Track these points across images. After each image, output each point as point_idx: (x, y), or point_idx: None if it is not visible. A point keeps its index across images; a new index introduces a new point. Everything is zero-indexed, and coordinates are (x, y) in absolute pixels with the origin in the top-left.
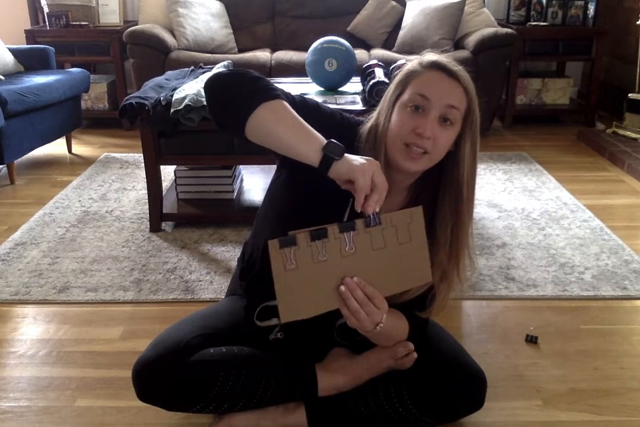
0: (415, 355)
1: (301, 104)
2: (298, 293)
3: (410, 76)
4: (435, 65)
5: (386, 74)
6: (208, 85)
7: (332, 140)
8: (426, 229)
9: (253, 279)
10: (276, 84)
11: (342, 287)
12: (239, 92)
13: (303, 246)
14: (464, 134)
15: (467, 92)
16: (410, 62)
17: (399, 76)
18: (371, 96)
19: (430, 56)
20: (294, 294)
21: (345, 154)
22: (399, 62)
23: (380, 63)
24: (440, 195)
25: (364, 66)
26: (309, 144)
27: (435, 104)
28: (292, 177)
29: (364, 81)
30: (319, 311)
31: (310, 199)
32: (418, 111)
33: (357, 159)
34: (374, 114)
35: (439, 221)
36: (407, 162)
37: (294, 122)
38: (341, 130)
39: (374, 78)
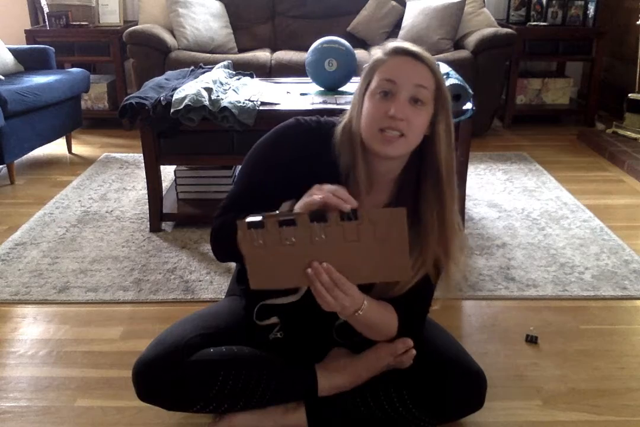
0: (414, 352)
1: (255, 203)
2: (267, 265)
3: (375, 66)
4: (397, 51)
5: None
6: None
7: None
8: (413, 218)
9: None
10: (276, 82)
11: (309, 270)
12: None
13: (271, 229)
14: (437, 114)
15: (432, 71)
16: (374, 55)
17: (364, 70)
18: None
19: (391, 44)
20: (262, 266)
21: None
22: None
23: None
24: (422, 181)
25: None
26: None
27: (402, 85)
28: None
29: None
30: (288, 285)
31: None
32: (387, 96)
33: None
34: (347, 112)
35: (423, 207)
36: (384, 147)
37: None
38: (309, 148)
39: None
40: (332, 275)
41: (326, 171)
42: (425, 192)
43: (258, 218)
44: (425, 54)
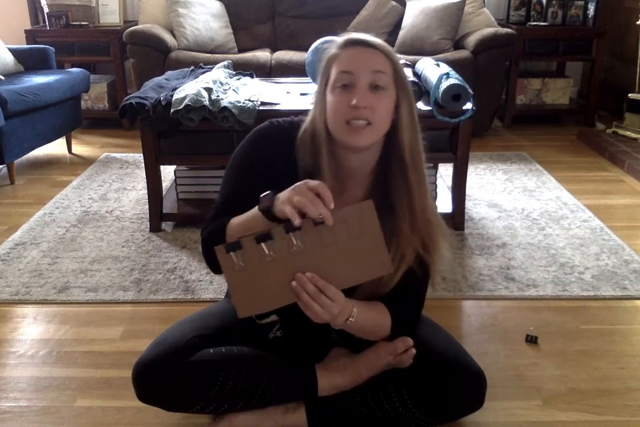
0: (414, 351)
1: (236, 206)
2: (251, 290)
3: (330, 60)
4: (349, 43)
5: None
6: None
7: (261, 196)
8: (386, 208)
9: None
10: (276, 82)
11: (294, 283)
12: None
13: (249, 248)
14: (399, 97)
15: (387, 56)
16: (327, 52)
17: (322, 65)
18: None
19: (342, 37)
20: (247, 291)
21: (277, 196)
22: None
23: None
24: (388, 169)
25: None
26: (249, 217)
27: (359, 74)
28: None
29: None
30: (276, 306)
31: None
32: (347, 88)
33: (282, 195)
34: (309, 112)
35: (393, 196)
36: (353, 138)
37: (243, 220)
38: (277, 147)
39: None
40: (317, 283)
41: (290, 171)
42: (393, 180)
43: (233, 244)
44: (377, 41)
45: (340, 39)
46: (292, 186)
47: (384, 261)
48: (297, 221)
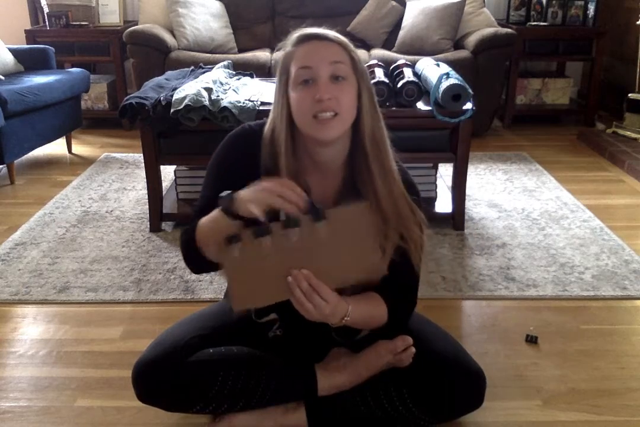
0: (413, 350)
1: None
2: (248, 284)
3: (287, 58)
4: (302, 39)
5: (386, 74)
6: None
7: (219, 196)
8: (352, 197)
9: None
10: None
11: (289, 278)
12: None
13: (247, 242)
14: (360, 85)
15: (343, 46)
16: (285, 48)
17: (279, 65)
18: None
19: (294, 34)
20: (244, 285)
21: (236, 194)
22: (399, 62)
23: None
24: (353, 157)
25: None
26: (213, 218)
27: (318, 67)
28: None
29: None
30: (271, 301)
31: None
32: (309, 83)
33: (243, 194)
34: (270, 114)
35: (359, 185)
36: (322, 131)
37: (206, 221)
38: (245, 150)
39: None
40: (311, 281)
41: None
42: (358, 171)
43: (233, 236)
44: (330, 33)
45: (293, 35)
46: (251, 186)
47: (378, 263)
48: (262, 219)
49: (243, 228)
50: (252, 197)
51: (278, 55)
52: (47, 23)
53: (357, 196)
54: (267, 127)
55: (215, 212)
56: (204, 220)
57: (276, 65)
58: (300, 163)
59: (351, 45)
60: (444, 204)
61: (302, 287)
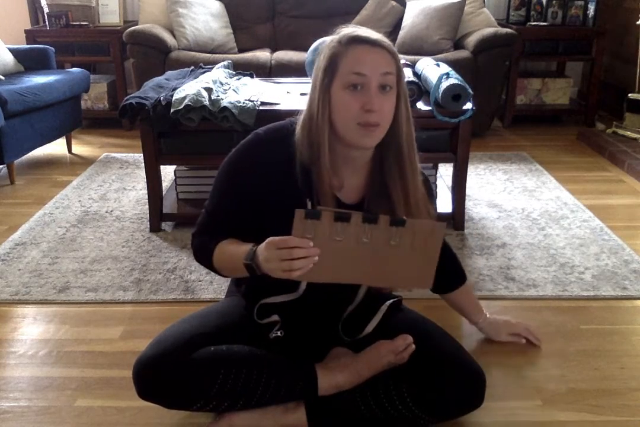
0: (413, 347)
1: (221, 224)
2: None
3: (335, 57)
4: (355, 40)
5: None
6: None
7: (251, 249)
8: (381, 193)
9: (249, 281)
10: (276, 82)
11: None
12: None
13: (325, 222)
14: (399, 93)
15: (392, 55)
16: (328, 45)
17: (322, 62)
18: None
19: (346, 32)
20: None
21: (257, 251)
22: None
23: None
24: (384, 157)
25: None
26: (239, 257)
27: (371, 76)
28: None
29: None
30: (326, 280)
31: (275, 214)
32: (357, 89)
33: (261, 252)
34: (304, 108)
35: (389, 182)
36: (363, 139)
37: (233, 256)
38: (274, 150)
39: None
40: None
41: (288, 175)
42: (390, 169)
43: (315, 211)
44: (381, 38)
45: (344, 32)
46: (265, 242)
47: (428, 279)
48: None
49: (324, 209)
50: (267, 257)
51: (280, 54)
52: (47, 23)
53: (382, 191)
54: (301, 121)
55: (240, 253)
56: (227, 249)
57: (276, 65)
58: (335, 158)
59: (397, 53)
60: (444, 204)
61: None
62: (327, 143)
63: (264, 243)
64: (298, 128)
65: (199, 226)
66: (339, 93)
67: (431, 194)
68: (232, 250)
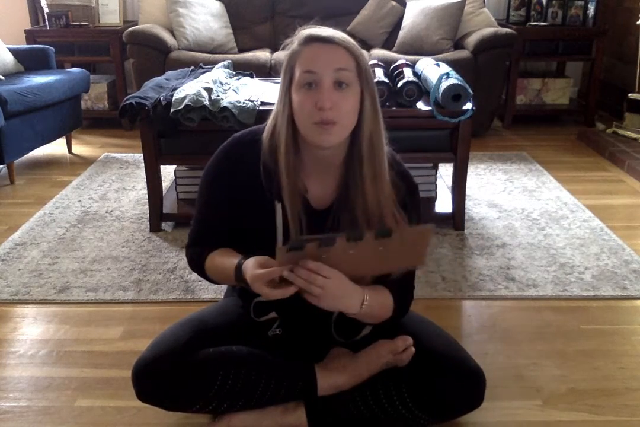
0: (413, 349)
1: (210, 234)
2: None
3: (293, 58)
4: (309, 39)
5: (386, 74)
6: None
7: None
8: (345, 196)
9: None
10: (276, 82)
11: (285, 273)
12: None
13: (310, 252)
14: (363, 91)
15: (349, 51)
16: (289, 46)
17: (284, 62)
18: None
19: (304, 31)
20: None
21: (244, 266)
22: (399, 62)
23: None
24: (349, 159)
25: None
26: (227, 272)
27: (322, 73)
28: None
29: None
30: None
31: (245, 215)
32: (312, 87)
33: (248, 268)
34: (273, 109)
35: (350, 188)
36: (321, 137)
37: (222, 270)
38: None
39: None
40: (308, 265)
41: (259, 177)
42: (351, 174)
43: (298, 243)
44: (338, 35)
45: (302, 33)
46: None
47: (420, 259)
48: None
49: (308, 239)
50: (252, 281)
51: (280, 54)
52: (47, 23)
53: (347, 195)
54: (268, 123)
55: (231, 265)
56: (219, 262)
57: (276, 65)
58: (300, 161)
59: (358, 50)
60: (444, 204)
61: (300, 274)
62: (286, 144)
63: (248, 271)
64: (265, 130)
65: (189, 237)
66: (296, 93)
67: (413, 198)
68: (221, 263)
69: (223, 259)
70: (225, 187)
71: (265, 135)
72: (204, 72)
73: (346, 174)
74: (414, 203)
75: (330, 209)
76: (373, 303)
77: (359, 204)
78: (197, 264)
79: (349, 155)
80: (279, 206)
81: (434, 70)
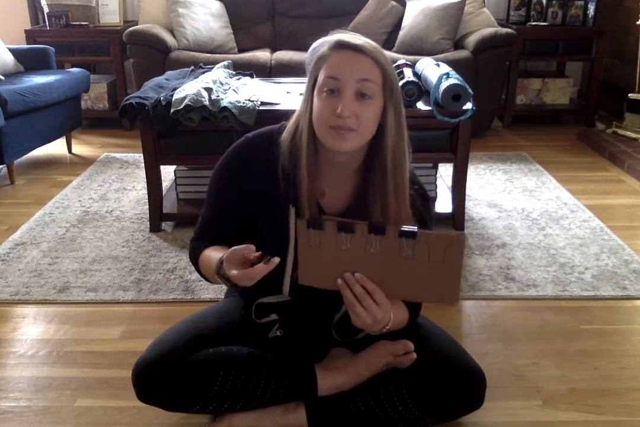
0: (414, 355)
1: (214, 231)
2: (318, 264)
3: (319, 62)
4: (339, 45)
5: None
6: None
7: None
8: (363, 208)
9: None
10: (276, 82)
11: (339, 280)
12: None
13: (329, 232)
14: (387, 103)
15: (377, 62)
16: (319, 49)
17: (311, 64)
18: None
19: (335, 36)
20: (313, 264)
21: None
22: (399, 62)
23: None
24: (370, 171)
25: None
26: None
27: (346, 82)
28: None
29: None
30: (333, 287)
31: (259, 218)
32: (333, 94)
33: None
34: (297, 110)
35: (369, 198)
36: (337, 143)
37: (208, 264)
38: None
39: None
40: (366, 284)
41: (273, 179)
42: (372, 185)
43: (317, 220)
44: (367, 46)
45: (332, 38)
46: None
47: (453, 293)
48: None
49: (327, 218)
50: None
51: (280, 54)
52: (47, 23)
53: (363, 204)
54: (290, 124)
55: (216, 258)
56: (207, 257)
57: (276, 65)
58: (318, 163)
59: (387, 62)
60: (444, 204)
61: (354, 289)
62: (308, 145)
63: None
64: (285, 131)
65: (194, 231)
66: (317, 97)
67: (427, 210)
68: (208, 257)
69: (212, 253)
70: (235, 188)
71: (286, 135)
72: (204, 72)
73: (363, 183)
74: (429, 215)
75: (343, 215)
76: (395, 322)
77: (377, 215)
78: (193, 258)
79: (366, 164)
80: (292, 211)
81: (434, 70)
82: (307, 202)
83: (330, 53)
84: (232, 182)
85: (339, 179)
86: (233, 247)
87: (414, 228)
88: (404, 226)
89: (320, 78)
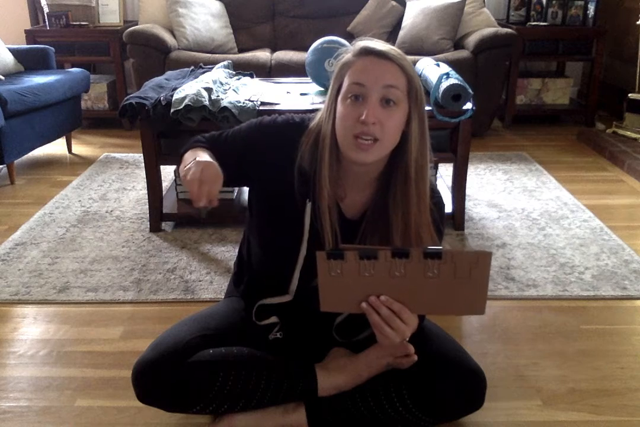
0: (415, 358)
1: (217, 142)
2: (340, 290)
3: (344, 68)
4: (364, 51)
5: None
6: None
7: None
8: (383, 215)
9: (247, 281)
10: (276, 82)
11: (364, 304)
12: None
13: (350, 260)
14: (411, 111)
15: (402, 69)
16: (343, 55)
17: (335, 71)
18: None
19: (360, 43)
20: (335, 291)
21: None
22: None
23: None
24: (392, 178)
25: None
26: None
27: (371, 88)
28: (255, 189)
29: None
30: (357, 311)
31: (273, 211)
32: (358, 100)
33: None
34: (319, 113)
35: (390, 206)
36: (359, 154)
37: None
38: (283, 134)
39: None
40: (392, 306)
41: (294, 173)
42: (394, 192)
43: (337, 251)
44: (393, 52)
45: (358, 44)
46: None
47: (480, 304)
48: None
49: (347, 247)
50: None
51: (280, 54)
52: (47, 23)
53: (383, 213)
54: (313, 125)
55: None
56: (192, 153)
57: (276, 65)
58: (338, 171)
59: (412, 69)
60: None
61: (381, 312)
62: (330, 153)
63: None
64: (306, 133)
65: (210, 133)
66: (341, 103)
67: (442, 218)
68: (195, 153)
69: (201, 153)
70: (259, 163)
71: (306, 139)
72: (204, 72)
73: (384, 190)
74: (443, 223)
75: (361, 220)
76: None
77: (397, 222)
78: (189, 142)
79: (388, 173)
80: (309, 205)
81: (434, 70)
82: (328, 208)
83: (355, 59)
84: (259, 149)
85: (358, 184)
86: (218, 168)
87: (439, 248)
88: (428, 247)
89: (345, 84)
